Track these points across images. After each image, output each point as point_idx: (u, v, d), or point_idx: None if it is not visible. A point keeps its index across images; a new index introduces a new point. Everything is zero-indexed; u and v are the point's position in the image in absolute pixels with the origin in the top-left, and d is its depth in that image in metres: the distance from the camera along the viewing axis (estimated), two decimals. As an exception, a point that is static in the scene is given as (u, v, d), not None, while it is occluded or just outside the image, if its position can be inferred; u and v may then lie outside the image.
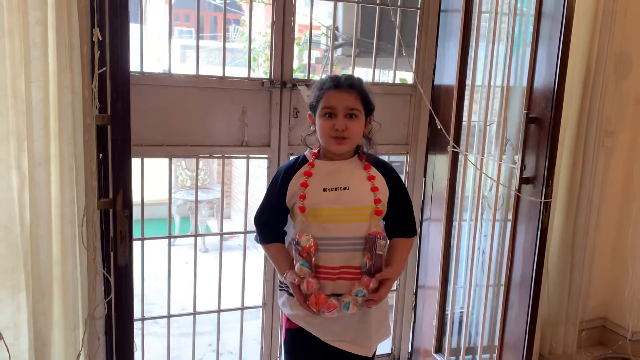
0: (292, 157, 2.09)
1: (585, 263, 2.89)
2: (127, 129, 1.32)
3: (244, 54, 6.02)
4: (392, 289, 2.81)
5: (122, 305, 1.41)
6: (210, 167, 5.22)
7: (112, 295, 1.39)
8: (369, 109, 1.66)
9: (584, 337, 3.02)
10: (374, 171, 1.68)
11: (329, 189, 1.62)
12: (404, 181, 2.69)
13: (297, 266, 1.60)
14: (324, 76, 1.76)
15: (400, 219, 1.72)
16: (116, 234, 1.32)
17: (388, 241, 1.68)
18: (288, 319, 1.72)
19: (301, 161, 1.71)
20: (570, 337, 2.93)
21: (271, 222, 1.71)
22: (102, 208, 1.47)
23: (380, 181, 1.67)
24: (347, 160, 1.68)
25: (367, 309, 1.66)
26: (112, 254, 1.38)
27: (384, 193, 1.66)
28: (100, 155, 1.80)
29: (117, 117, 1.29)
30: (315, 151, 1.71)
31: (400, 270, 1.74)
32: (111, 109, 1.29)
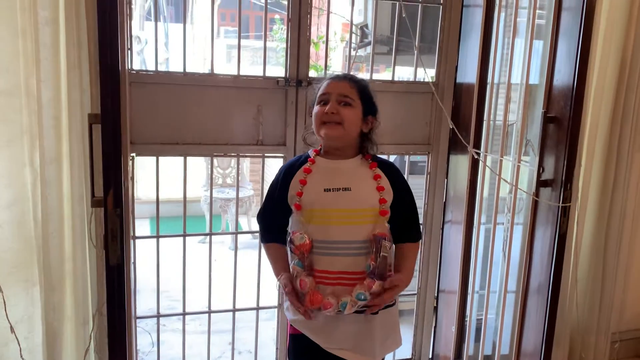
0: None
1: (618, 271, 2.73)
2: (117, 128, 1.32)
3: (285, 53, 6.04)
4: (413, 292, 2.74)
5: (114, 304, 1.42)
6: (241, 165, 5.25)
7: (105, 294, 1.39)
8: (368, 106, 1.60)
9: (618, 349, 2.86)
10: (378, 171, 1.62)
11: (330, 189, 1.57)
12: (424, 182, 2.63)
13: (291, 265, 1.57)
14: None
15: (406, 223, 1.66)
16: (107, 233, 1.33)
17: (393, 245, 1.62)
18: (292, 325, 1.70)
19: (303, 159, 1.67)
20: (602, 348, 2.78)
21: (272, 222, 1.69)
22: (95, 207, 1.48)
23: (385, 182, 1.61)
24: (349, 160, 1.63)
25: (371, 316, 1.60)
26: (103, 252, 1.38)
27: (388, 194, 1.60)
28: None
29: (107, 116, 1.29)
30: (317, 149, 1.68)
31: (410, 278, 1.65)
32: (101, 108, 1.30)
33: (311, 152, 1.67)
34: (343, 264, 1.55)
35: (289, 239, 1.59)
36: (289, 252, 1.59)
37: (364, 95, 1.59)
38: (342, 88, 1.57)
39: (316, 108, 1.60)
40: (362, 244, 1.55)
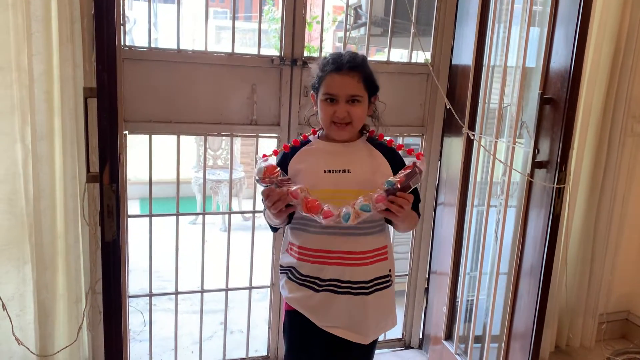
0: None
1: (607, 253, 2.77)
2: (114, 102, 1.30)
3: (277, 34, 5.96)
4: (405, 273, 2.76)
5: (110, 281, 1.40)
6: (233, 147, 5.22)
7: (101, 271, 1.38)
8: (372, 88, 1.58)
9: (604, 330, 2.91)
10: (376, 153, 1.62)
11: (330, 171, 1.57)
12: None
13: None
14: (327, 54, 1.68)
15: None
16: (103, 209, 1.31)
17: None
18: (287, 302, 1.70)
19: (303, 142, 1.67)
20: (589, 329, 2.83)
21: None
22: (90, 182, 1.46)
23: (384, 163, 1.61)
24: (351, 142, 1.63)
25: (366, 296, 1.58)
26: (95, 229, 1.37)
27: (387, 174, 1.60)
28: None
29: (103, 90, 1.27)
30: (317, 129, 1.67)
31: (411, 216, 1.58)
32: (97, 82, 1.28)
33: (312, 136, 1.66)
34: (341, 243, 1.55)
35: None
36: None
37: (368, 82, 1.55)
38: (350, 87, 1.52)
39: (323, 105, 1.56)
40: (362, 224, 1.54)
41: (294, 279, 1.63)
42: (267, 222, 1.67)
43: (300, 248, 1.60)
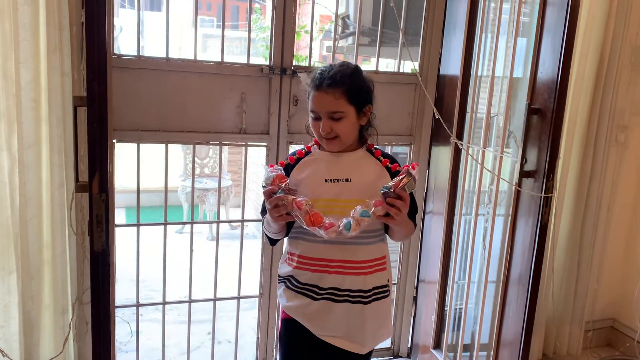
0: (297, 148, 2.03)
1: (593, 261, 2.80)
2: (104, 111, 1.29)
3: (264, 42, 5.96)
4: (393, 282, 2.76)
5: (98, 291, 1.39)
6: (221, 155, 5.21)
7: (89, 281, 1.36)
8: (361, 101, 1.57)
9: (590, 338, 2.94)
10: (376, 162, 1.62)
11: (331, 180, 1.58)
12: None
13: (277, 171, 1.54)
14: (322, 66, 1.68)
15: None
16: (92, 218, 1.30)
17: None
18: (284, 310, 1.69)
19: (304, 151, 1.67)
20: (575, 337, 2.86)
21: None
22: (79, 192, 1.45)
23: (383, 172, 1.61)
24: (351, 152, 1.63)
25: (364, 305, 1.59)
26: (83, 239, 1.35)
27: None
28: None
29: (93, 99, 1.26)
30: (317, 139, 1.67)
31: (405, 216, 1.53)
32: (87, 90, 1.27)
33: (313, 147, 1.67)
34: (342, 253, 1.56)
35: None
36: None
37: (353, 96, 1.54)
38: (329, 105, 1.52)
39: (311, 120, 1.58)
40: (362, 233, 1.54)
41: (292, 287, 1.63)
42: (265, 231, 1.67)
43: (300, 257, 1.60)
